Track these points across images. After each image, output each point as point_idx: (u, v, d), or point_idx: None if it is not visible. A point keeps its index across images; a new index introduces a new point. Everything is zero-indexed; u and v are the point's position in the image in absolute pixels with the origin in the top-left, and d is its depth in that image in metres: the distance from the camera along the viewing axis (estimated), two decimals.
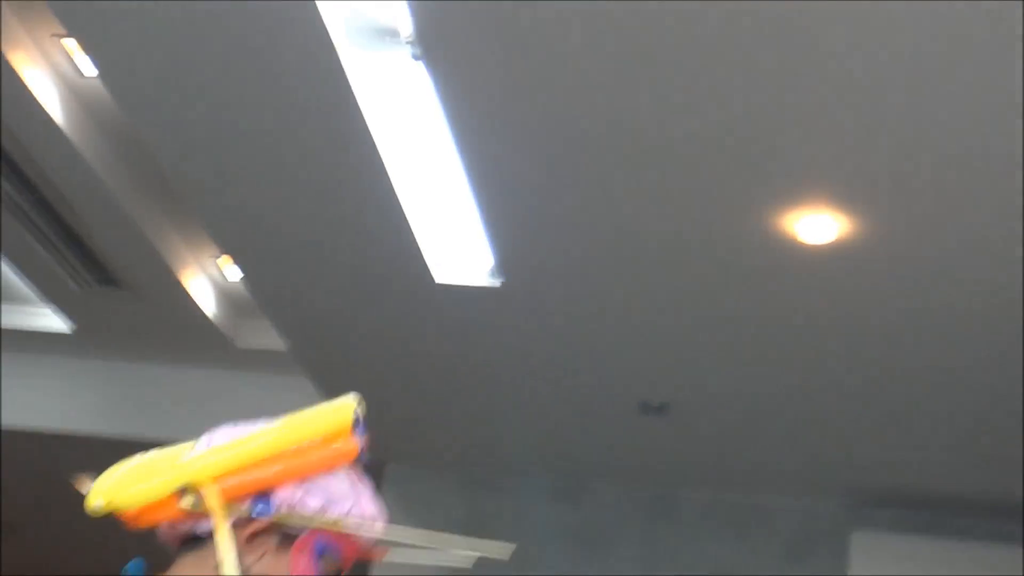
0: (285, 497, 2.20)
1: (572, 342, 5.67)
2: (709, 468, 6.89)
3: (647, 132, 4.19)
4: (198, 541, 2.22)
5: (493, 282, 5.22)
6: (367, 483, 2.30)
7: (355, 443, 2.24)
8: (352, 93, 4.13)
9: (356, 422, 2.25)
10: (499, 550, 2.33)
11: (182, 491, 2.18)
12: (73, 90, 5.06)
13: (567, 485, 7.28)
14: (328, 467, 2.23)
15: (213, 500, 2.17)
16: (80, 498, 2.23)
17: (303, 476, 2.21)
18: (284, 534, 2.20)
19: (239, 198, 4.87)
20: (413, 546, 2.34)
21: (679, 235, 4.76)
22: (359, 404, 2.28)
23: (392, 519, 7.16)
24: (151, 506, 2.20)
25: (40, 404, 7.38)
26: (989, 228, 4.47)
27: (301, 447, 2.23)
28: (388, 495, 7.32)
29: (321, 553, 2.21)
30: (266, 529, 2.19)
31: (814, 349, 5.49)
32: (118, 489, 2.18)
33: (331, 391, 6.35)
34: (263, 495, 2.20)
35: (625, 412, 6.24)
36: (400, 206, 4.72)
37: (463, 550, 2.35)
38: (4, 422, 7.44)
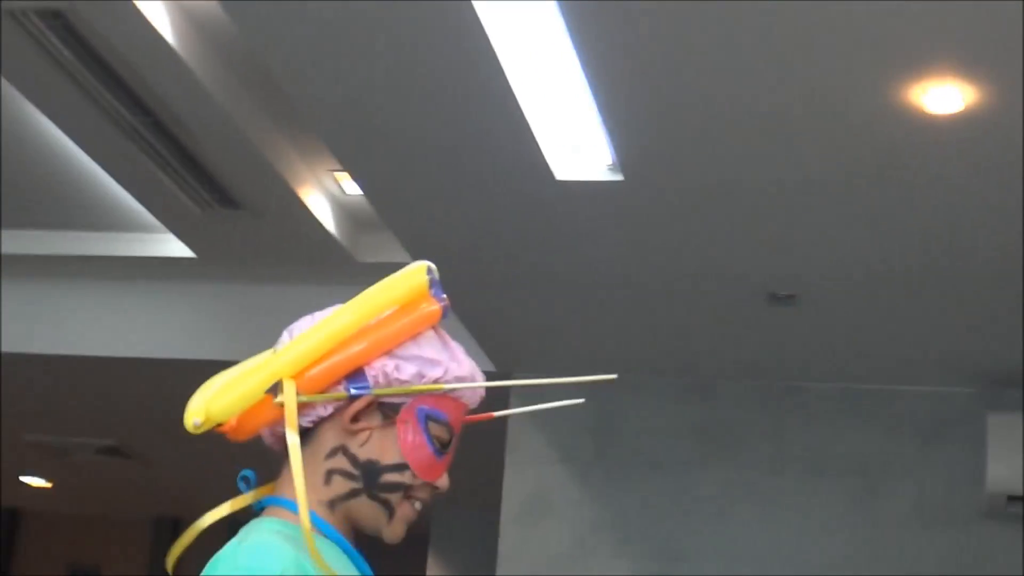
0: (378, 371, 2.18)
1: (695, 234, 5.61)
2: (838, 358, 6.82)
3: (768, 6, 4.11)
4: (305, 436, 2.20)
5: (614, 176, 5.17)
6: (457, 344, 2.28)
7: (435, 303, 2.23)
8: None
9: (431, 283, 2.23)
10: (603, 379, 2.35)
11: (274, 390, 2.16)
12: (184, 9, 5.05)
13: (694, 382, 7.25)
14: (413, 333, 2.21)
15: (289, 393, 2.15)
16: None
17: (391, 347, 2.19)
18: (385, 410, 2.19)
19: (356, 109, 4.84)
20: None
21: (804, 114, 4.67)
22: (432, 268, 2.26)
23: (522, 430, 7.19)
24: (247, 413, 2.19)
25: (165, 331, 7.45)
26: None
27: (381, 319, 2.20)
28: (516, 401, 7.33)
29: (427, 419, 2.19)
30: (367, 408, 2.18)
31: (944, 228, 5.39)
32: (212, 403, 2.17)
33: (454, 300, 6.34)
34: (356, 374, 2.18)
35: (752, 304, 6.18)
36: (518, 103, 4.67)
37: (568, 386, 2.40)
38: (130, 352, 7.52)
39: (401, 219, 5.62)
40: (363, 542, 2.28)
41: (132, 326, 7.50)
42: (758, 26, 4.19)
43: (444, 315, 2.24)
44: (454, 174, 5.25)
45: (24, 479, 11.34)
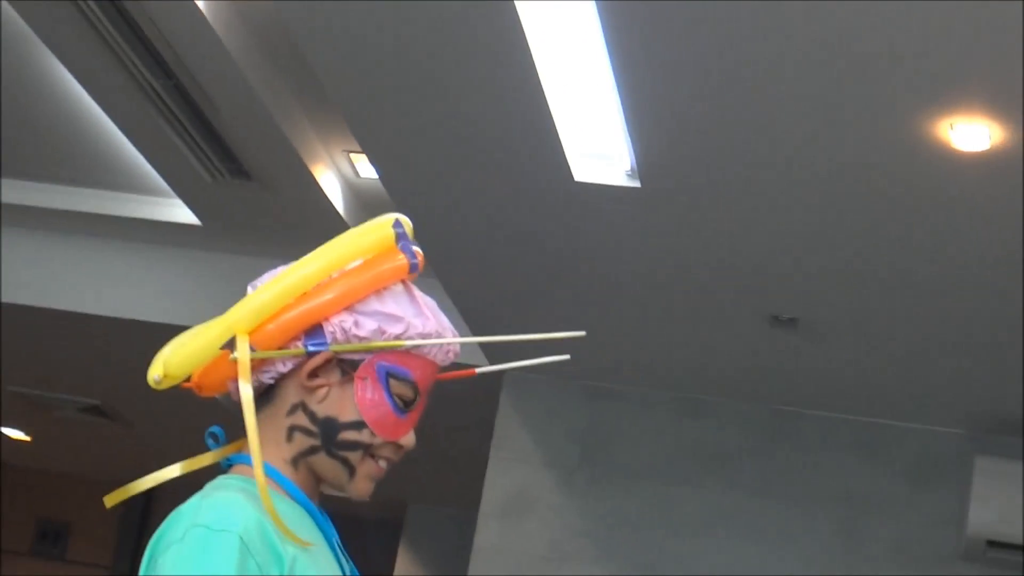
0: (336, 327, 2.12)
1: (704, 249, 5.59)
2: (834, 387, 6.81)
3: (797, 38, 4.09)
4: (268, 392, 2.16)
5: (631, 183, 5.15)
6: (428, 299, 2.21)
7: (402, 257, 2.16)
8: None
9: (398, 236, 2.17)
10: (571, 336, 2.30)
11: (230, 345, 2.11)
12: None
13: (688, 398, 7.23)
14: (377, 287, 2.15)
15: (242, 348, 2.09)
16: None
17: (352, 301, 2.13)
18: (345, 367, 2.13)
19: (381, 90, 4.81)
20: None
21: (827, 142, 4.65)
22: (401, 220, 2.19)
23: (509, 428, 7.13)
24: (208, 368, 2.15)
25: (162, 296, 7.42)
26: None
27: (344, 272, 2.15)
28: (507, 403, 7.31)
29: (388, 376, 2.13)
30: (326, 365, 2.12)
31: (955, 267, 5.37)
32: (170, 358, 2.13)
33: (460, 291, 6.35)
34: (315, 330, 2.12)
35: (753, 325, 6.16)
36: (546, 100, 4.64)
37: (535, 343, 2.29)
38: (129, 314, 7.49)
39: (412, 204, 5.58)
40: (337, 521, 2.24)
41: (129, 287, 7.47)
42: (787, 52, 4.17)
43: (413, 270, 2.18)
44: (472, 164, 5.22)
45: (2, 430, 11.30)
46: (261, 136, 5.86)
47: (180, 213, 6.98)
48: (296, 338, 2.12)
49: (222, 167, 6.18)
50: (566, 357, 2.38)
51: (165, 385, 2.14)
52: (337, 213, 6.48)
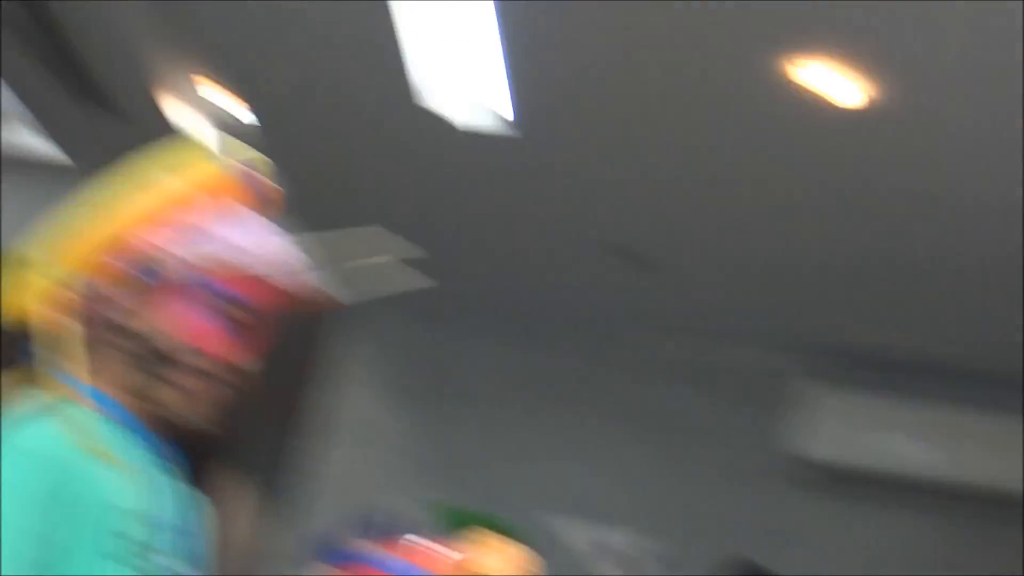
0: (165, 252, 2.10)
1: (552, 185, 5.73)
2: (663, 312, 6.98)
3: None
4: (100, 321, 2.13)
5: (501, 123, 5.17)
6: (269, 225, 2.17)
7: (239, 185, 2.15)
8: None
9: (237, 165, 2.16)
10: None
11: (57, 277, 2.12)
12: None
13: (529, 329, 7.36)
14: (210, 212, 2.12)
15: (61, 279, 2.10)
16: None
17: (179, 226, 2.11)
18: (174, 291, 2.09)
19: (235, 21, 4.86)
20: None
21: (693, 85, 4.74)
22: (241, 149, 2.19)
23: (350, 357, 6.73)
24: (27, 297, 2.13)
25: None
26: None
27: (176, 199, 2.12)
28: (348, 332, 7.37)
29: (216, 297, 2.10)
30: (154, 290, 2.09)
31: (794, 195, 5.50)
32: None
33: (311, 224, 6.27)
34: (144, 257, 2.10)
35: (590, 254, 6.31)
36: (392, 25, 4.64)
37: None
38: None
39: (279, 153, 5.50)
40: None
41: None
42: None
43: (255, 198, 2.17)
44: (330, 97, 5.28)
45: None
46: (118, 62, 5.74)
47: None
48: (126, 266, 2.09)
49: (80, 97, 6.05)
50: (424, 284, 2.33)
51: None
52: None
